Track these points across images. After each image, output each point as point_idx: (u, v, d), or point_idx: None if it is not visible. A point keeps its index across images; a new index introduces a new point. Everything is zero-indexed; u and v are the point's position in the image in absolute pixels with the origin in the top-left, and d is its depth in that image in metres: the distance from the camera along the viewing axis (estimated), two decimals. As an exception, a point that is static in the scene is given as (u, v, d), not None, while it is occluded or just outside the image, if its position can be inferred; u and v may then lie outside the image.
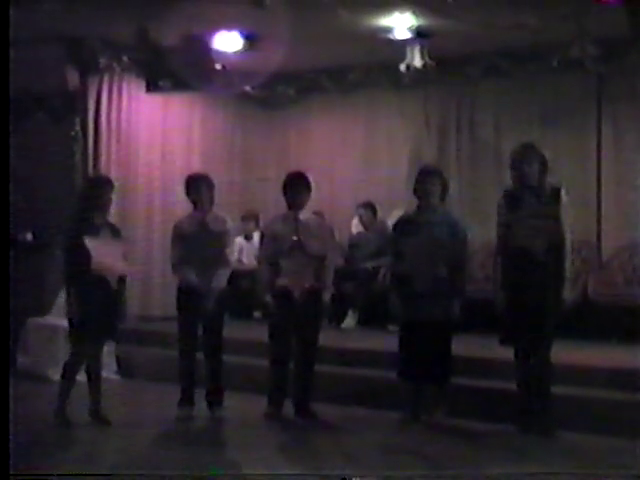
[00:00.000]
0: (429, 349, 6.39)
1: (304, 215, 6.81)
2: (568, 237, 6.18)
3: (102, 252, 6.45)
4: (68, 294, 6.53)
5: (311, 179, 6.89)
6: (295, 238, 6.68)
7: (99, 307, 6.43)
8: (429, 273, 6.41)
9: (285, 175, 6.99)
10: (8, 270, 4.20)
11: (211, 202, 6.94)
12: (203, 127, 10.79)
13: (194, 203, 6.94)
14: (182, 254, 6.82)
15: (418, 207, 6.66)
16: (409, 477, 5.24)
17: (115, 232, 6.74)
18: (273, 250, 6.78)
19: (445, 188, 6.67)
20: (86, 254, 6.36)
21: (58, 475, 5.16)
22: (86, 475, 5.23)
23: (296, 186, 6.83)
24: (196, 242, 6.79)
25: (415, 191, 6.64)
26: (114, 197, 6.81)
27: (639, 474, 5.27)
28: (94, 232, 6.51)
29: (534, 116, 9.71)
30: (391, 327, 8.87)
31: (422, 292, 6.40)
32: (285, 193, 6.87)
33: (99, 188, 6.68)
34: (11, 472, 4.15)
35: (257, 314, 9.82)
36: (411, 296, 6.46)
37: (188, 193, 6.98)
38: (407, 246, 6.56)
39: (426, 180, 6.62)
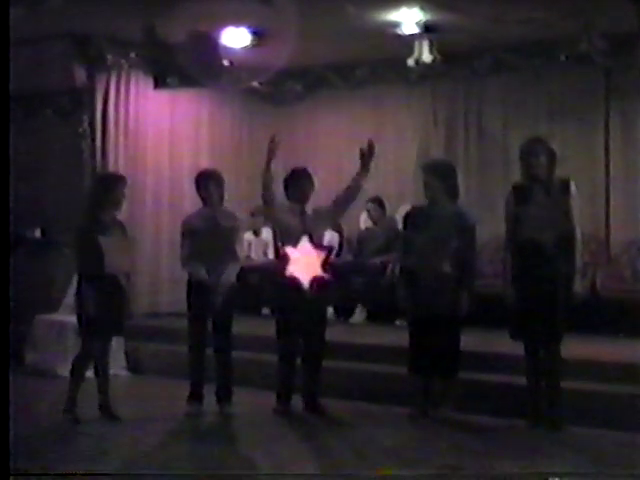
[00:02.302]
0: (438, 343, 6.36)
1: (310, 208, 6.83)
2: (578, 230, 6.17)
3: (113, 250, 6.46)
4: (78, 291, 6.55)
5: (312, 174, 6.92)
6: (303, 230, 6.70)
7: (109, 304, 6.45)
8: (437, 267, 6.40)
9: (288, 171, 6.95)
10: (8, 268, 4.21)
11: (221, 198, 6.94)
12: (211, 123, 10.78)
13: (204, 199, 6.93)
14: (192, 250, 6.82)
15: (427, 201, 6.64)
16: (415, 477, 5.23)
17: (123, 229, 6.76)
18: (283, 241, 6.80)
19: (455, 182, 6.64)
20: (98, 252, 6.38)
21: (59, 475, 5.16)
22: (88, 475, 5.23)
23: (300, 181, 6.83)
24: (206, 238, 6.79)
25: (424, 185, 6.61)
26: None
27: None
28: (105, 230, 6.52)
29: (542, 110, 9.69)
30: (398, 322, 8.90)
31: (430, 286, 6.38)
32: (287, 189, 6.86)
33: (112, 185, 6.68)
34: (12, 472, 4.16)
35: (265, 311, 9.82)
36: (419, 290, 6.44)
37: (198, 189, 6.97)
38: (415, 240, 6.55)
39: (434, 174, 6.59)
